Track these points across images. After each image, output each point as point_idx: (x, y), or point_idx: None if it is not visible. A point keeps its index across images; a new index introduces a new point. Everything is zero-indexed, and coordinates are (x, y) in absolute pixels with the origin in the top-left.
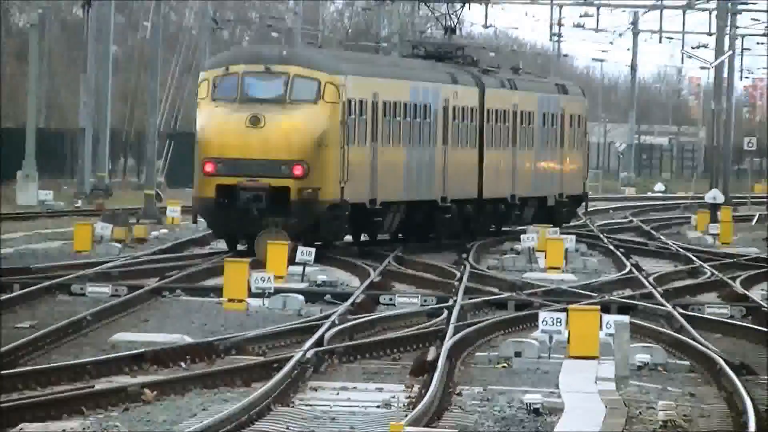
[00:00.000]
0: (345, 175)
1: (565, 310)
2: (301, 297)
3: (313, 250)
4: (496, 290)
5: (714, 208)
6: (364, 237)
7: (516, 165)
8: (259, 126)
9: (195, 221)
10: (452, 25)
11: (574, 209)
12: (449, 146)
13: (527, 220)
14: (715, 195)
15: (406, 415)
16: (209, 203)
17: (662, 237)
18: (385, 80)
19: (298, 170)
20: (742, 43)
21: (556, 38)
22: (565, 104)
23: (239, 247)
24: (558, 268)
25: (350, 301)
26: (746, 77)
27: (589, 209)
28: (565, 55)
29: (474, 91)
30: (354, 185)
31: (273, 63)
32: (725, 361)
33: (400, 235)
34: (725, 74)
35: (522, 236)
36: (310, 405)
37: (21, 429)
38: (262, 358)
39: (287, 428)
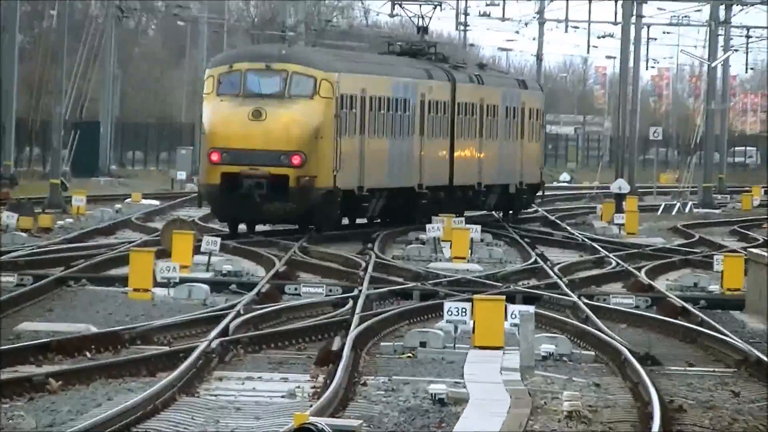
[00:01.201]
0: (338, 164)
1: (470, 300)
2: (206, 287)
3: (218, 239)
4: (401, 280)
5: (619, 198)
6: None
7: (482, 155)
8: (261, 119)
9: (200, 205)
10: (425, 25)
11: (532, 196)
12: (425, 137)
13: (490, 206)
14: (620, 185)
15: (311, 405)
16: (214, 189)
17: (568, 227)
18: (371, 77)
19: (296, 160)
20: (648, 32)
21: (462, 28)
22: (524, 98)
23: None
24: (463, 258)
25: (255, 290)
26: (652, 67)
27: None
28: (472, 45)
29: (447, 85)
30: (345, 173)
31: (273, 61)
32: (630, 351)
33: (377, 219)
34: (631, 64)
35: (427, 226)
36: (215, 395)
37: None
38: (167, 348)
39: (192, 418)
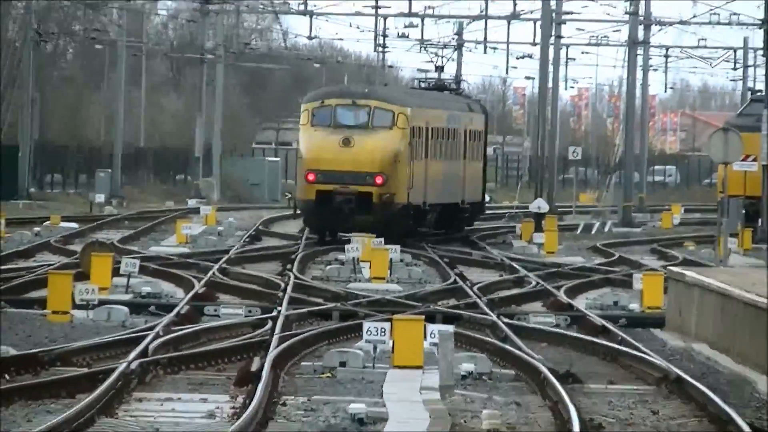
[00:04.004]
0: (411, 184)
1: (389, 319)
2: (125, 308)
3: (137, 261)
4: (320, 301)
5: (539, 217)
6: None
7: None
8: (350, 146)
9: (295, 216)
10: (442, 65)
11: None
12: (467, 161)
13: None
14: (540, 204)
15: (231, 426)
16: (310, 204)
17: (487, 246)
18: (432, 110)
19: (379, 180)
20: (567, 52)
21: (381, 49)
22: (474, 119)
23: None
24: (382, 278)
25: (175, 312)
26: (571, 87)
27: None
28: (390, 66)
29: (482, 117)
30: (415, 191)
31: (358, 98)
32: (550, 369)
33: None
34: (550, 84)
35: (346, 246)
36: (135, 416)
37: None
38: (86, 370)
39: None
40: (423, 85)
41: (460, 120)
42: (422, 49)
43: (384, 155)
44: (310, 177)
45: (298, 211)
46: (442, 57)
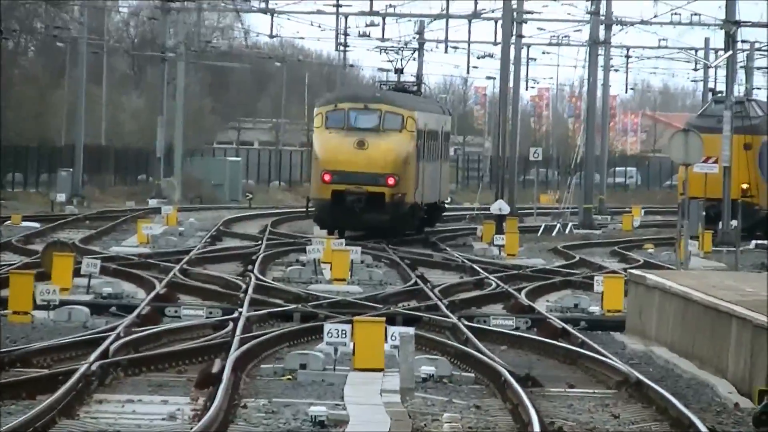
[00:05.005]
0: (417, 184)
1: (350, 321)
2: (86, 309)
3: (98, 262)
4: (281, 302)
5: (500, 218)
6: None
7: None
8: (364, 148)
9: (308, 216)
10: (401, 67)
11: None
12: (442, 161)
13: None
14: (500, 206)
15: (192, 428)
16: (326, 203)
17: (448, 248)
18: (427, 114)
19: (391, 180)
20: (528, 52)
21: (342, 48)
22: (446, 122)
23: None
24: (343, 280)
25: (135, 313)
26: (532, 87)
27: None
28: (352, 65)
29: (449, 119)
30: (418, 191)
31: (369, 102)
32: (510, 372)
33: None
34: (511, 84)
35: (307, 248)
36: (95, 417)
37: None
38: (46, 371)
39: None
40: (384, 87)
41: (439, 122)
42: (382, 51)
43: (396, 157)
44: (326, 177)
45: (311, 209)
46: (401, 59)
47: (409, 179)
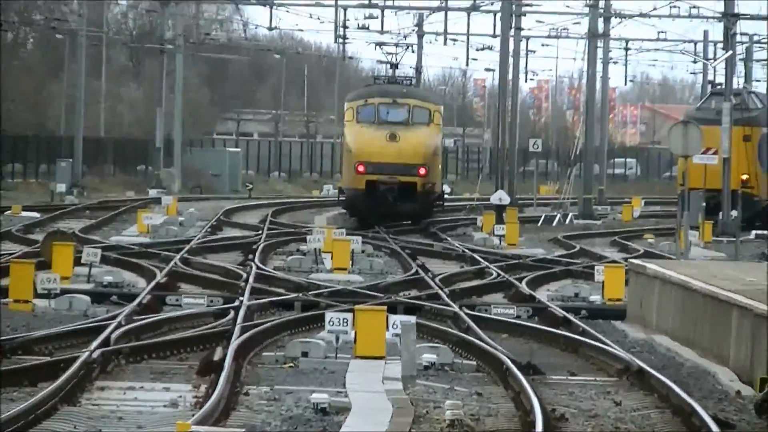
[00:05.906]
0: (442, 174)
1: (351, 310)
2: (87, 298)
3: (98, 251)
4: (282, 291)
5: (500, 209)
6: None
7: None
8: (396, 141)
9: (340, 204)
10: (397, 62)
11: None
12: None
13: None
14: (500, 196)
15: (193, 415)
16: (360, 193)
17: (448, 238)
18: (440, 107)
19: (422, 171)
20: (527, 45)
21: (341, 40)
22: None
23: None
24: (344, 269)
25: (137, 301)
26: (531, 79)
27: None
28: (351, 57)
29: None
30: (440, 181)
31: (398, 97)
32: (512, 360)
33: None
34: (510, 76)
35: (308, 237)
36: (97, 405)
37: None
38: (48, 359)
39: (74, 428)
40: (379, 82)
41: (441, 114)
42: (377, 47)
43: (426, 149)
44: (360, 168)
45: (343, 198)
46: (396, 54)
47: (436, 169)
